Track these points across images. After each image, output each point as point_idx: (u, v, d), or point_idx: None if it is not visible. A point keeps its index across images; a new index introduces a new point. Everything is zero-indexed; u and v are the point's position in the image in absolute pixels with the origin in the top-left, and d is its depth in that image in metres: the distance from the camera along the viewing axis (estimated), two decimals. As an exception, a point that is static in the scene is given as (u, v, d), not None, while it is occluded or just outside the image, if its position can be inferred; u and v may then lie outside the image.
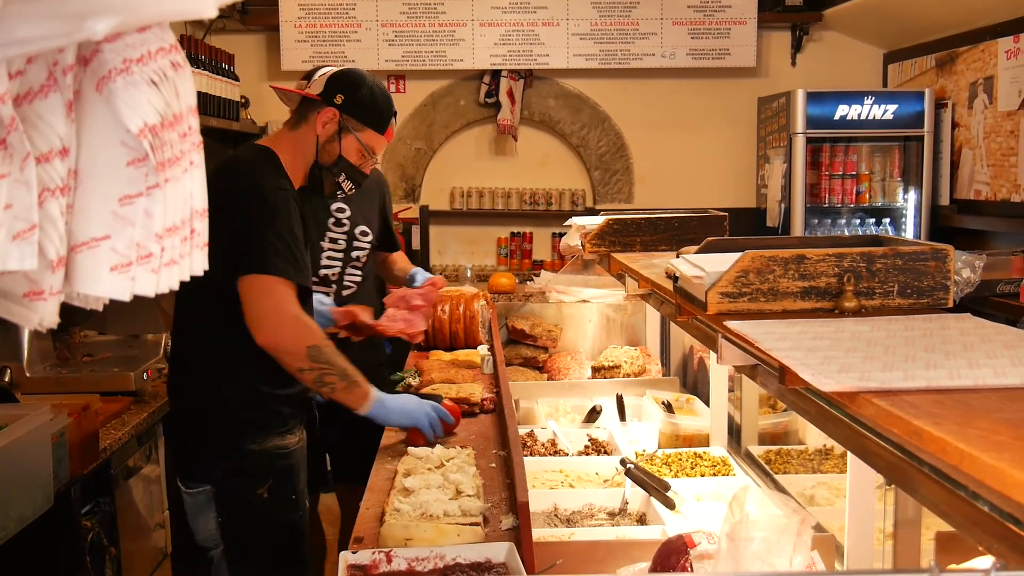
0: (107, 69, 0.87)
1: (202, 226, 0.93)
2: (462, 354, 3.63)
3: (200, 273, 0.94)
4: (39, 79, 0.86)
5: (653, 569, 1.68)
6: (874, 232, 5.78)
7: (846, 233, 5.77)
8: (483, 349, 3.72)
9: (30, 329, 0.93)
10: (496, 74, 6.26)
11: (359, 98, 2.72)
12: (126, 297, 0.90)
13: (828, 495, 2.73)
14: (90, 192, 0.89)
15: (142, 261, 0.89)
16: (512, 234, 6.53)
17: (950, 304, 1.89)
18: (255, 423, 2.60)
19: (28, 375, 3.33)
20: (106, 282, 0.89)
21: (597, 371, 4.04)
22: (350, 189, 2.82)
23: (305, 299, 2.62)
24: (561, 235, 6.26)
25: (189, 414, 2.68)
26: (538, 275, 5.72)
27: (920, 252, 1.88)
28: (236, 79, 5.47)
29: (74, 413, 2.66)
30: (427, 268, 6.33)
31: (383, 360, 3.72)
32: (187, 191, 0.91)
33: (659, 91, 6.41)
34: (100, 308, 0.97)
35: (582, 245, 3.50)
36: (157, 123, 0.87)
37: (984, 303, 4.31)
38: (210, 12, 0.85)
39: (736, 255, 1.89)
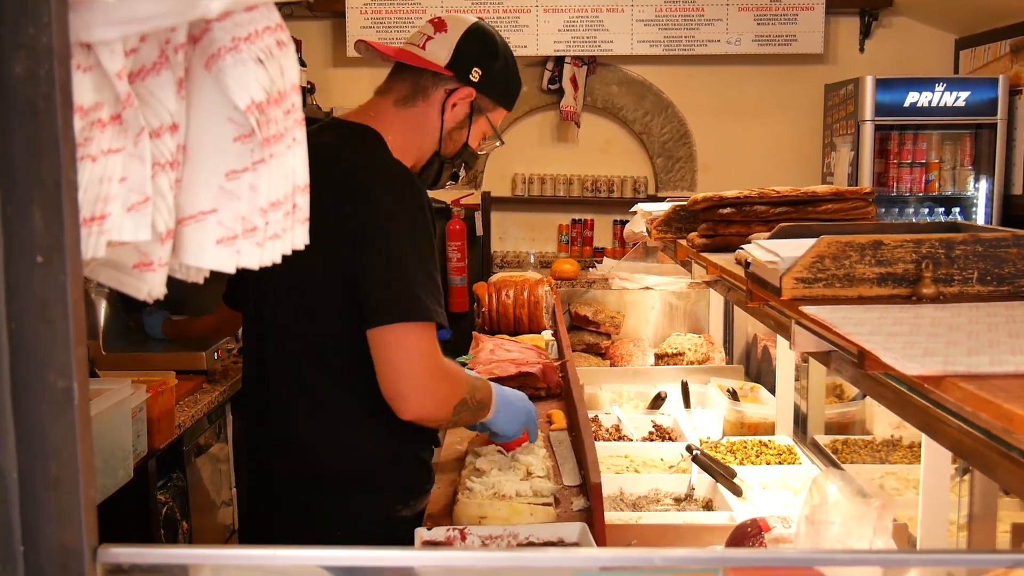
0: (216, 47, 0.89)
1: (303, 201, 0.95)
2: (527, 339, 3.64)
3: (302, 247, 0.96)
4: (151, 57, 0.89)
5: (727, 551, 1.68)
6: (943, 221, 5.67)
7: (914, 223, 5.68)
8: (547, 334, 3.74)
9: (140, 299, 0.95)
10: (559, 60, 6.26)
11: (498, 72, 2.15)
12: (231, 269, 0.93)
13: (898, 485, 2.71)
14: (198, 167, 0.92)
15: (247, 234, 0.92)
16: (573, 221, 6.53)
17: (1033, 292, 1.86)
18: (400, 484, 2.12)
19: (104, 353, 3.42)
20: (212, 254, 0.92)
21: (660, 358, 4.04)
22: (461, 179, 2.35)
23: None
24: (623, 222, 6.24)
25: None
26: (600, 262, 5.73)
27: (1002, 239, 1.84)
28: (303, 65, 5.54)
29: (152, 389, 2.73)
30: (488, 254, 6.36)
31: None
32: (290, 167, 0.93)
33: (724, 78, 6.35)
34: (200, 280, 1.00)
35: (648, 231, 3.49)
36: (263, 100, 0.90)
37: (1058, 295, 4.21)
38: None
39: (811, 240, 1.88)
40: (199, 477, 3.44)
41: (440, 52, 2.09)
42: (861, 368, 1.49)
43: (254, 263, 0.93)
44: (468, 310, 6.15)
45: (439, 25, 2.12)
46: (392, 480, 2.07)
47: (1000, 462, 1.22)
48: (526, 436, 2.29)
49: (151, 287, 0.92)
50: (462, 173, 2.29)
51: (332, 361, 2.02)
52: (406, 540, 1.84)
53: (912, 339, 1.43)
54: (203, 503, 3.50)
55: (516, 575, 0.97)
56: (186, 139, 0.91)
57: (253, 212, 0.92)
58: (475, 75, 2.10)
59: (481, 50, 2.12)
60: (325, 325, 1.99)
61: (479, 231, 6.39)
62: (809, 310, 1.71)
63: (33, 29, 0.76)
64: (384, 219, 1.91)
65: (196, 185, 0.92)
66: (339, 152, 2.02)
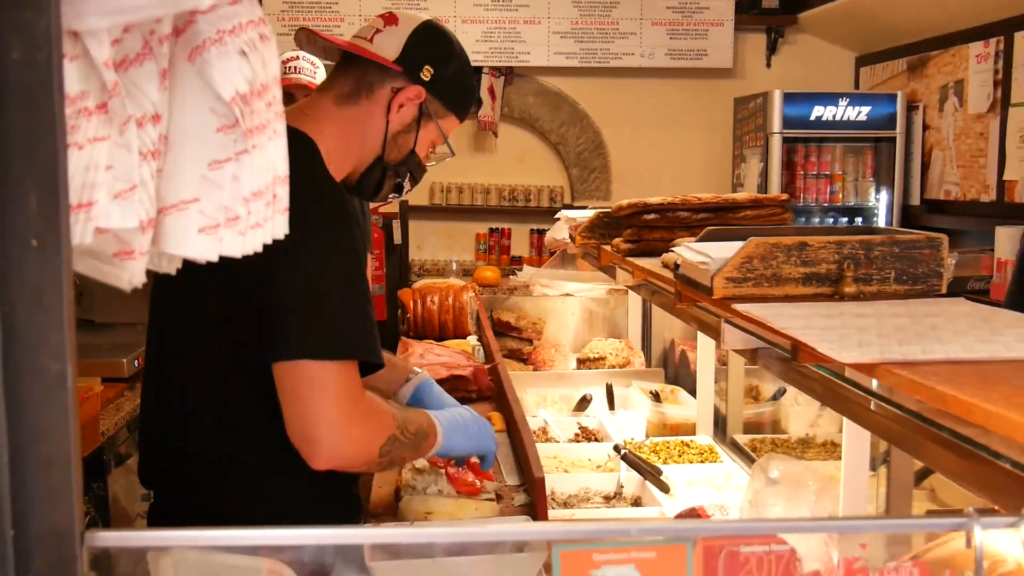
0: (201, 39, 0.91)
1: (283, 191, 0.97)
2: (453, 344, 3.67)
3: (282, 236, 0.98)
4: (135, 48, 0.90)
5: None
6: (847, 231, 5.89)
7: (820, 232, 5.87)
8: (473, 339, 3.77)
9: (120, 287, 0.96)
10: (477, 70, 6.31)
11: (451, 73, 1.90)
12: (213, 257, 0.94)
13: (814, 480, 2.82)
14: (180, 157, 0.93)
15: (229, 223, 0.94)
16: (491, 230, 6.59)
17: (943, 290, 1.97)
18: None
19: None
20: (194, 243, 0.94)
21: (582, 363, 4.11)
22: (406, 192, 2.02)
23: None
24: (540, 231, 6.32)
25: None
26: (520, 270, 5.78)
27: (916, 241, 1.95)
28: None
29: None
30: (406, 263, 6.36)
31: None
32: (271, 158, 0.95)
33: (637, 90, 6.50)
34: (172, 272, 1.01)
35: (571, 238, 3.56)
36: (247, 91, 0.92)
37: (957, 299, 4.44)
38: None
39: (740, 242, 1.96)
40: (120, 487, 3.37)
41: (389, 46, 1.82)
42: (795, 361, 1.57)
43: (236, 251, 0.94)
44: (386, 318, 6.13)
45: (390, 19, 1.88)
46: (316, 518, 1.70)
47: (930, 444, 1.30)
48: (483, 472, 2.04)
49: (132, 275, 0.93)
50: (407, 186, 1.99)
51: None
52: None
53: (844, 332, 1.52)
54: (123, 514, 3.43)
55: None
56: (168, 130, 0.93)
57: (236, 201, 0.93)
58: (426, 73, 1.85)
59: (434, 47, 1.88)
60: (219, 357, 1.71)
61: (397, 239, 6.38)
62: (743, 307, 1.78)
63: (31, 14, 0.76)
64: (304, 237, 1.47)
65: (178, 175, 0.93)
66: None
